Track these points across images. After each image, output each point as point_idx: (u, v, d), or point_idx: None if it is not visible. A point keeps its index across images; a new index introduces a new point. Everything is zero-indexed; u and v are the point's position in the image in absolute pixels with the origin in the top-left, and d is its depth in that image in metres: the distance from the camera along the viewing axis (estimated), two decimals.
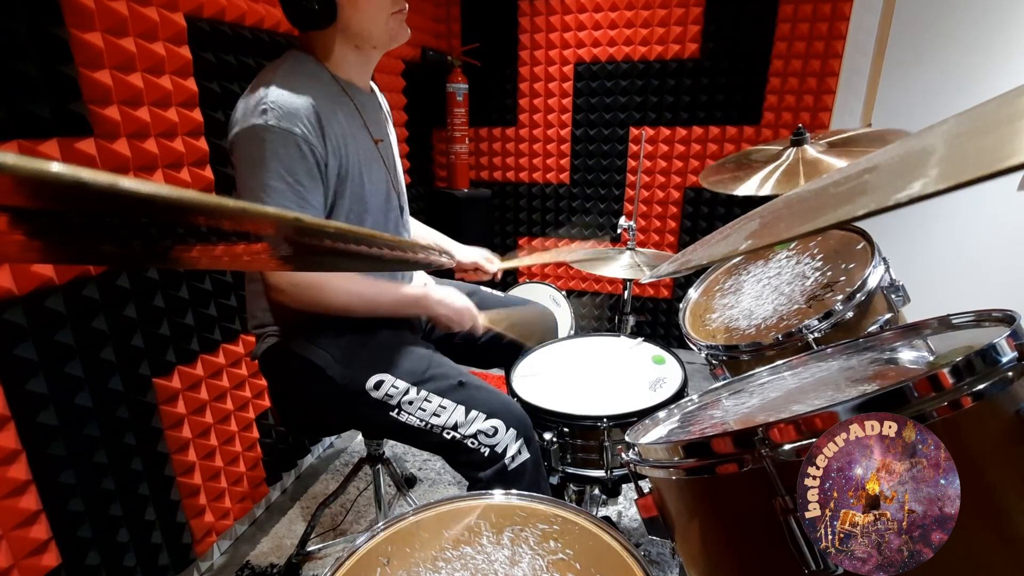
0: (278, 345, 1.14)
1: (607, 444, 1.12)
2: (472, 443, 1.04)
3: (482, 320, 1.24)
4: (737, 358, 1.08)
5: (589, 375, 1.30)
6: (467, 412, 1.05)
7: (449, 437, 1.05)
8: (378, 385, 1.06)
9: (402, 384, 1.07)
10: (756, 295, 1.20)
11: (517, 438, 1.05)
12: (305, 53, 1.07)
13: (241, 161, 0.97)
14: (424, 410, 1.06)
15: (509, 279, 2.98)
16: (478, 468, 1.05)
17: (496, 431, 1.04)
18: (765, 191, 1.18)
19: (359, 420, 1.15)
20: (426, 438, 1.07)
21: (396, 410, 1.06)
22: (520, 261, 1.47)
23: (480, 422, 1.05)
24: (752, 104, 2.34)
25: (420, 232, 1.46)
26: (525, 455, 1.05)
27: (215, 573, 1.57)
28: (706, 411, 0.81)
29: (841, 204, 0.41)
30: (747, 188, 1.21)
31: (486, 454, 1.04)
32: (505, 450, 1.04)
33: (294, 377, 1.12)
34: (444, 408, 1.06)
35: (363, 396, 1.06)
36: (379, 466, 1.47)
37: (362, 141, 1.11)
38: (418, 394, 1.06)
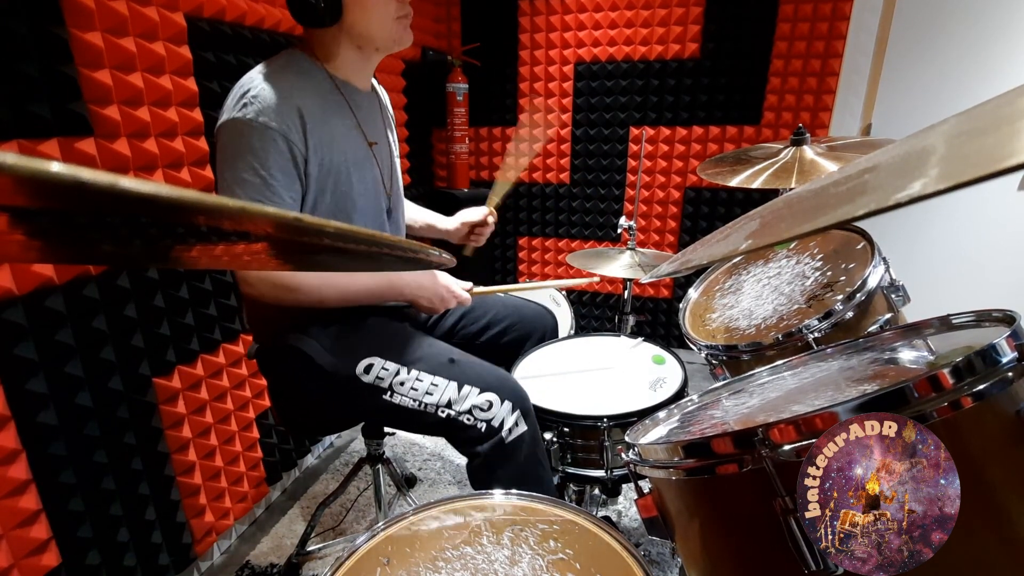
0: (272, 341, 1.14)
1: (607, 444, 1.12)
2: (468, 419, 1.03)
3: (466, 296, 1.21)
4: (737, 358, 1.08)
5: (589, 375, 1.30)
6: (460, 388, 1.04)
7: (444, 415, 1.04)
8: (368, 368, 1.06)
9: (392, 365, 1.06)
10: (756, 295, 1.20)
11: (513, 410, 1.04)
12: (303, 52, 1.07)
13: (220, 153, 0.98)
14: (416, 389, 1.05)
15: (509, 279, 2.98)
16: (476, 444, 1.04)
17: (491, 405, 1.03)
18: (757, 184, 1.19)
19: (354, 408, 1.14)
20: (421, 419, 1.06)
21: (388, 392, 1.06)
22: (498, 192, 1.41)
23: (474, 397, 1.04)
24: (752, 104, 2.34)
25: (411, 214, 1.44)
26: (523, 427, 1.04)
27: (215, 573, 1.57)
28: (706, 411, 0.81)
29: (841, 204, 0.41)
30: (741, 180, 1.22)
31: (483, 429, 1.03)
32: (502, 423, 1.03)
33: (288, 370, 1.12)
34: (436, 386, 1.05)
35: (354, 381, 1.06)
36: (379, 466, 1.47)
37: (353, 142, 1.10)
38: (409, 374, 1.06)
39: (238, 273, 1.03)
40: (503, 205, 2.82)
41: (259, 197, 0.96)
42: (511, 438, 1.03)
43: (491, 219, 1.41)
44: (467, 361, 1.10)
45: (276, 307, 1.08)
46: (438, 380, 1.05)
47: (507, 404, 1.04)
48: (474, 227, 1.41)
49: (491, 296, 1.45)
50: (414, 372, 1.06)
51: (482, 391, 1.04)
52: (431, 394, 1.05)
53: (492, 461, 1.02)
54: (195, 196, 0.24)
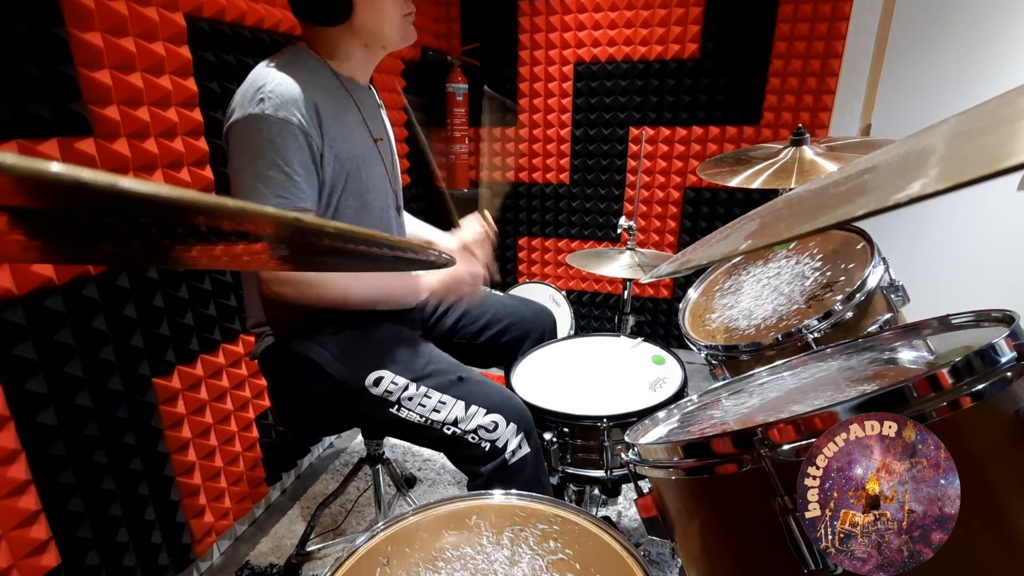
0: (277, 344, 1.14)
1: (607, 444, 1.12)
2: (473, 438, 1.04)
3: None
4: (737, 358, 1.08)
5: (589, 375, 1.30)
6: (467, 407, 1.05)
7: (449, 433, 1.05)
8: (377, 382, 1.06)
9: (401, 380, 1.06)
10: (756, 295, 1.20)
11: (517, 432, 1.05)
12: (306, 49, 1.07)
13: (237, 150, 0.96)
14: (424, 406, 1.05)
15: (509, 279, 2.98)
16: (478, 463, 1.04)
17: (497, 426, 1.04)
18: (757, 184, 1.19)
19: (359, 418, 1.14)
20: (426, 434, 1.07)
21: (396, 406, 1.06)
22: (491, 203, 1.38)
23: (480, 417, 1.04)
24: (752, 104, 2.34)
25: (411, 227, 1.43)
26: (525, 449, 1.05)
27: (215, 573, 1.56)
28: (706, 411, 0.81)
29: (841, 204, 0.41)
30: (741, 180, 1.22)
31: (487, 449, 1.03)
32: (506, 445, 1.03)
33: (293, 376, 1.12)
34: (444, 403, 1.05)
35: (363, 393, 1.06)
36: (379, 466, 1.47)
37: (362, 139, 1.10)
38: (417, 390, 1.06)
39: (261, 274, 1.01)
40: (504, 207, 2.83)
41: (284, 194, 0.95)
42: (514, 460, 1.04)
43: (490, 227, 1.35)
44: (475, 380, 1.10)
45: (285, 311, 1.08)
46: (446, 398, 1.06)
47: (512, 426, 1.05)
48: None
49: (490, 296, 1.45)
50: (423, 388, 1.06)
51: (489, 412, 1.05)
52: (438, 411, 1.05)
53: (494, 483, 1.02)
54: (195, 196, 0.24)
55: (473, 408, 1.05)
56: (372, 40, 1.06)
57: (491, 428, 1.04)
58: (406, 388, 1.06)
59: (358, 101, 1.11)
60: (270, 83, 0.95)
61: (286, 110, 0.94)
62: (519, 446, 1.04)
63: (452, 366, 1.12)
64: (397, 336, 1.17)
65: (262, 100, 0.94)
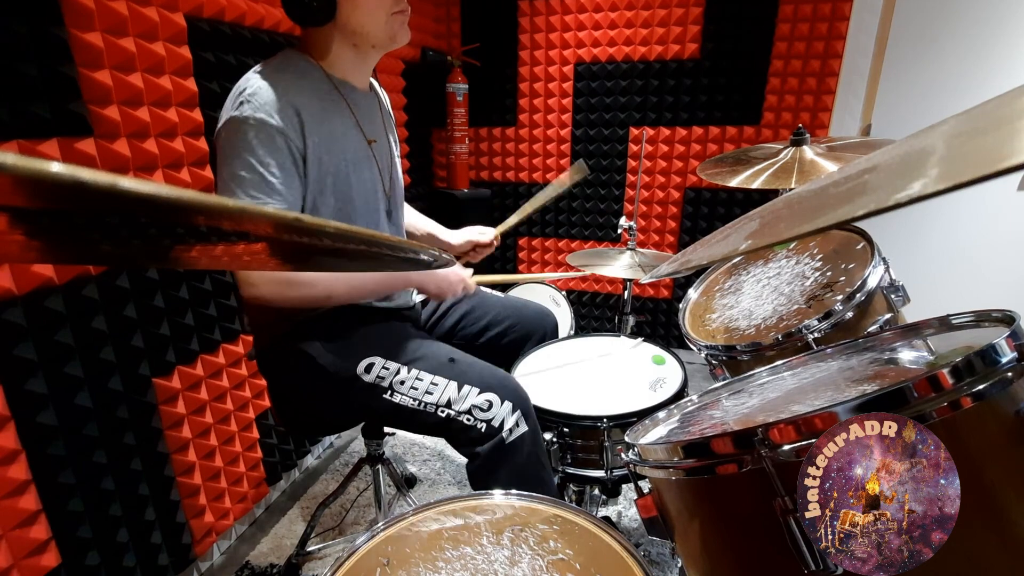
0: (274, 342, 1.14)
1: (607, 444, 1.12)
2: (468, 419, 1.03)
3: (472, 282, 1.22)
4: (737, 358, 1.08)
5: (589, 375, 1.30)
6: (460, 387, 1.04)
7: (444, 415, 1.04)
8: (369, 368, 1.06)
9: (393, 364, 1.07)
10: (756, 295, 1.20)
11: (514, 410, 1.04)
12: (300, 52, 1.07)
13: (219, 153, 0.98)
14: (416, 389, 1.05)
15: None
16: (476, 444, 1.03)
17: (491, 405, 1.03)
18: (757, 184, 1.19)
19: (355, 408, 1.14)
20: (421, 418, 1.06)
21: (389, 391, 1.06)
22: (511, 220, 1.44)
23: (474, 397, 1.04)
24: (752, 104, 2.34)
25: (413, 221, 1.45)
26: (523, 427, 1.04)
27: (215, 573, 1.56)
28: (706, 411, 0.81)
29: (841, 204, 0.41)
30: (741, 180, 1.22)
31: (483, 429, 1.02)
32: (502, 423, 1.02)
33: (289, 370, 1.12)
34: (436, 385, 1.05)
35: (356, 381, 1.06)
36: (379, 466, 1.47)
37: (353, 140, 1.10)
38: (409, 373, 1.06)
39: (239, 275, 1.02)
40: (505, 207, 2.83)
41: (257, 194, 0.96)
42: (511, 438, 1.02)
43: (496, 242, 1.44)
44: (467, 361, 1.10)
45: (277, 308, 1.08)
46: (438, 379, 1.05)
47: (507, 404, 1.04)
48: (477, 246, 1.42)
49: (491, 296, 1.45)
50: (414, 371, 1.06)
51: (482, 391, 1.04)
52: (431, 393, 1.05)
53: (492, 462, 1.02)
54: (195, 196, 0.24)
55: (466, 388, 1.04)
56: (359, 39, 1.06)
57: (485, 407, 1.03)
58: (398, 372, 1.06)
59: (351, 103, 1.10)
60: (250, 87, 0.97)
61: (264, 112, 0.95)
62: (516, 424, 1.03)
63: (443, 349, 1.12)
64: (388, 325, 1.17)
65: (242, 103, 0.96)
